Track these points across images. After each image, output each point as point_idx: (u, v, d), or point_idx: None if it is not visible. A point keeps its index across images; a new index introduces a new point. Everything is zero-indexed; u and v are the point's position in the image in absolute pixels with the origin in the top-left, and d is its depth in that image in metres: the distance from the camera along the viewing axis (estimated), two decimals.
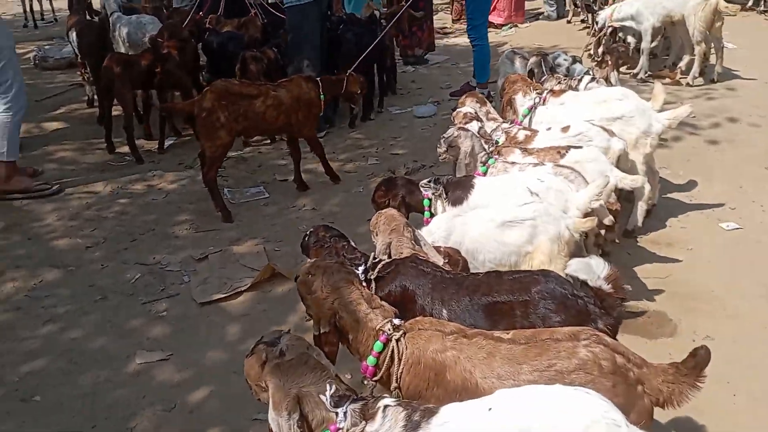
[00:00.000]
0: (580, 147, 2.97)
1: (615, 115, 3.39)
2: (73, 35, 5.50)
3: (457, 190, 2.74)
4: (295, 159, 4.38)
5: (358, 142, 5.37)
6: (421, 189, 2.80)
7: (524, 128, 3.38)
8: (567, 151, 2.95)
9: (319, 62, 5.01)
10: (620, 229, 3.35)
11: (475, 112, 3.32)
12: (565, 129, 3.25)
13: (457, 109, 3.43)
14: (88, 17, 5.69)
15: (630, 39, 6.42)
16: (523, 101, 3.62)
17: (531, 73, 4.29)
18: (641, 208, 3.46)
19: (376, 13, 5.75)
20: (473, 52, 6.00)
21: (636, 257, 3.36)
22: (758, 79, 6.05)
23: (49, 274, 3.57)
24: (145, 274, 3.54)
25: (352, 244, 2.32)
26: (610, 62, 4.11)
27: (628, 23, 6.28)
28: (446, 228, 2.51)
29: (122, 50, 5.39)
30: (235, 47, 5.14)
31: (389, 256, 2.21)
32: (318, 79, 4.25)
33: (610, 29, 6.48)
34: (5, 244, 3.87)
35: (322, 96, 4.17)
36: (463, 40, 8.52)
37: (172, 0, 6.81)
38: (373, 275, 2.11)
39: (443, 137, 3.04)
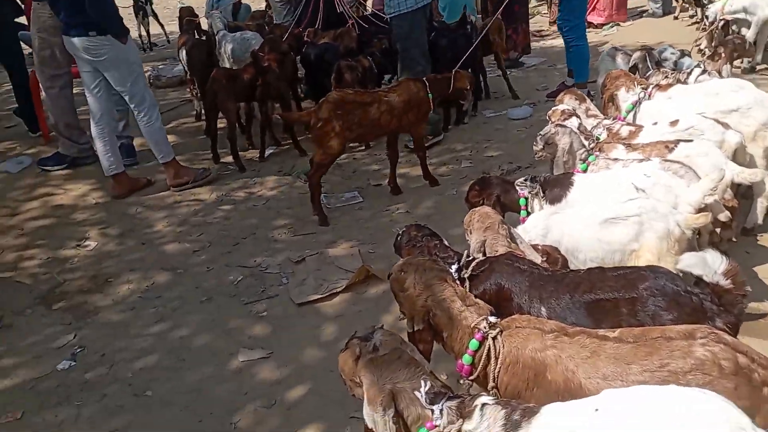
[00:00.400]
0: (691, 140, 2.77)
1: (730, 107, 3.14)
2: (183, 54, 5.84)
3: (555, 187, 2.63)
4: (393, 161, 4.42)
5: (451, 145, 5.32)
6: (517, 188, 2.71)
7: (628, 124, 3.21)
8: (676, 145, 2.76)
9: (429, 67, 5.01)
10: (738, 227, 3.09)
11: (574, 109, 3.19)
12: (674, 123, 3.05)
13: (554, 107, 3.30)
14: (196, 36, 6.01)
15: (745, 32, 5.96)
16: (626, 97, 3.44)
17: (635, 69, 4.08)
18: (761, 204, 3.18)
19: (472, 18, 5.71)
20: (570, 53, 5.81)
21: (756, 256, 3.10)
22: None
23: (160, 276, 3.78)
24: (247, 276, 3.67)
25: (445, 242, 2.28)
26: (723, 54, 3.83)
27: (740, 15, 5.85)
28: (543, 226, 2.41)
29: (227, 66, 5.66)
30: (331, 57, 5.26)
31: (484, 254, 2.15)
32: (425, 79, 4.27)
33: (722, 22, 6.08)
34: (121, 249, 4.15)
35: (429, 95, 4.19)
36: (561, 42, 8.31)
37: (273, 17, 7.08)
38: (466, 273, 2.06)
39: (540, 134, 2.94)
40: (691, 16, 8.68)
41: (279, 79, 5.05)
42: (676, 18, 9.05)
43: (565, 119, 3.07)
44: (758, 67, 6.00)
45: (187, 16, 6.29)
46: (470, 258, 2.07)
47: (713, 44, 5.40)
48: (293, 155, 5.35)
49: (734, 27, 6.36)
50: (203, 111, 6.16)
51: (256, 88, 5.04)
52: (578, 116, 3.12)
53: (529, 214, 2.70)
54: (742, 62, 5.91)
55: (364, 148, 5.36)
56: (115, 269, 3.91)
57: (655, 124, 3.14)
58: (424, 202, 4.30)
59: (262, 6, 9.68)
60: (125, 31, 4.45)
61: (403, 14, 4.76)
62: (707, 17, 6.14)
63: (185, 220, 4.46)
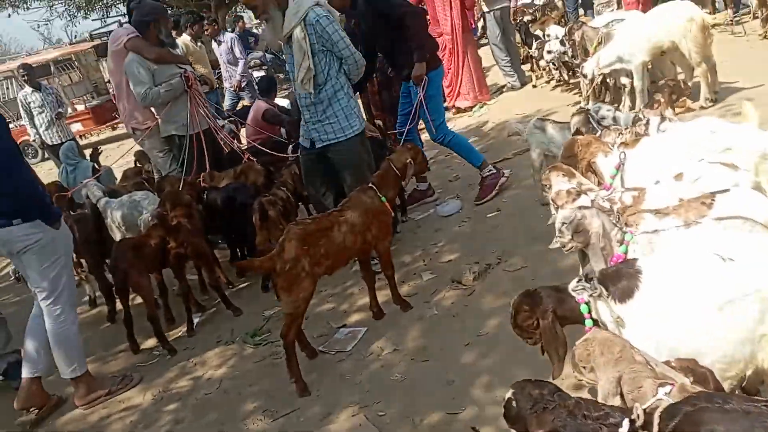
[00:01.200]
0: (726, 190, 2.49)
1: (720, 148, 2.96)
2: None
3: (620, 280, 2.19)
4: (370, 283, 3.90)
5: (398, 259, 4.82)
6: (573, 294, 2.24)
7: (627, 190, 2.91)
8: (713, 199, 2.46)
9: None
10: None
11: (579, 187, 2.84)
12: (679, 176, 2.80)
13: (553, 189, 2.94)
14: (71, 212, 5.17)
15: (624, 80, 6.23)
16: (606, 162, 3.18)
17: (578, 133, 3.90)
18: None
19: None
20: (452, 148, 5.60)
21: None
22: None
23: None
24: None
25: (581, 398, 1.70)
26: (663, 100, 3.77)
27: (617, 66, 6.11)
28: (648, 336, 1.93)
29: (119, 236, 4.85)
30: (244, 198, 4.67)
31: (621, 396, 1.62)
32: (370, 184, 3.83)
33: (600, 77, 6.32)
34: None
35: (383, 198, 3.77)
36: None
37: (153, 171, 6.39)
38: None
39: (563, 223, 2.52)
40: (548, 82, 9.19)
41: (192, 234, 4.34)
42: (534, 87, 9.53)
43: (574, 200, 2.70)
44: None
45: (55, 192, 5.42)
46: (646, 408, 1.51)
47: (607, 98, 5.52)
48: (225, 317, 4.57)
49: (608, 80, 6.70)
50: (96, 295, 5.26)
51: (168, 252, 4.29)
52: (587, 194, 2.76)
53: (596, 322, 2.23)
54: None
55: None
56: None
57: (657, 183, 2.87)
58: (408, 333, 3.70)
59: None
60: (57, 212, 3.66)
61: (350, 138, 4.31)
62: (585, 75, 6.34)
63: None
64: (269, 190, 4.81)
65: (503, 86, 10.20)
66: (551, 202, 2.94)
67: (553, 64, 7.51)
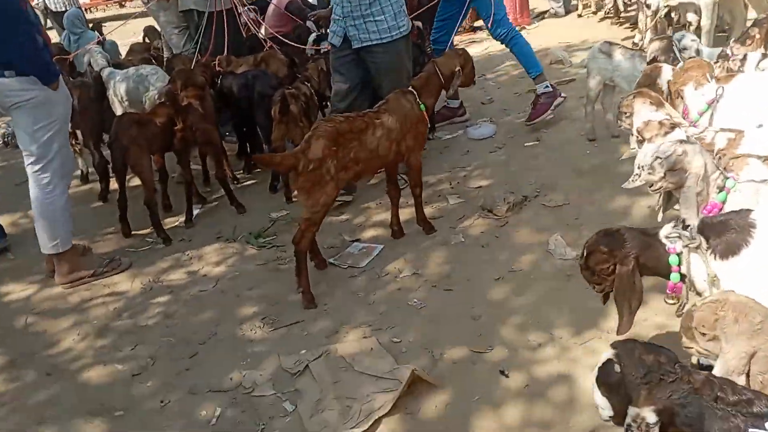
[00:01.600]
0: None
1: None
2: None
3: (726, 233, 1.80)
4: (395, 199, 3.52)
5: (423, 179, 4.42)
6: (664, 241, 1.86)
7: (723, 130, 2.48)
8: None
9: None
10: None
11: (671, 119, 2.40)
12: None
13: (638, 118, 2.49)
14: (72, 78, 4.69)
15: (691, 17, 5.64)
16: (695, 95, 2.72)
17: (654, 61, 3.42)
18: None
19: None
20: (512, 49, 5.02)
21: None
22: None
23: (89, 428, 2.52)
24: (228, 406, 2.52)
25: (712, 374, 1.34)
26: (759, 36, 3.27)
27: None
28: None
29: (120, 110, 4.40)
30: (264, 87, 4.18)
31: (747, 375, 1.26)
32: (410, 87, 3.37)
33: (665, 10, 5.73)
34: (17, 389, 2.81)
35: (422, 106, 3.33)
36: (478, 50, 7.76)
37: (163, 48, 5.84)
38: None
39: (657, 158, 2.09)
40: (595, 12, 8.51)
41: (203, 119, 3.89)
42: (580, 16, 8.84)
43: (666, 133, 2.27)
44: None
45: (56, 55, 4.90)
46: None
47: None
48: (229, 213, 4.20)
49: (673, 14, 6.11)
50: (90, 170, 4.86)
51: (174, 135, 3.85)
52: (679, 125, 2.33)
53: (683, 278, 1.86)
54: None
55: None
56: (13, 425, 2.59)
57: (761, 126, 2.44)
58: (429, 257, 3.35)
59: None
60: (55, 73, 3.21)
61: (396, 40, 3.73)
62: (648, 6, 5.74)
63: (105, 327, 3.18)
64: (292, 83, 4.32)
65: (545, 12, 9.50)
66: (635, 133, 2.50)
67: None
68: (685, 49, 3.48)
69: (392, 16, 3.67)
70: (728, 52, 3.36)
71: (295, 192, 3.20)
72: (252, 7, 6.63)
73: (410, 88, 3.39)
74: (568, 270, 2.95)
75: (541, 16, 9.42)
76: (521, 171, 4.18)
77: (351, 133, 3.05)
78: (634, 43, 6.45)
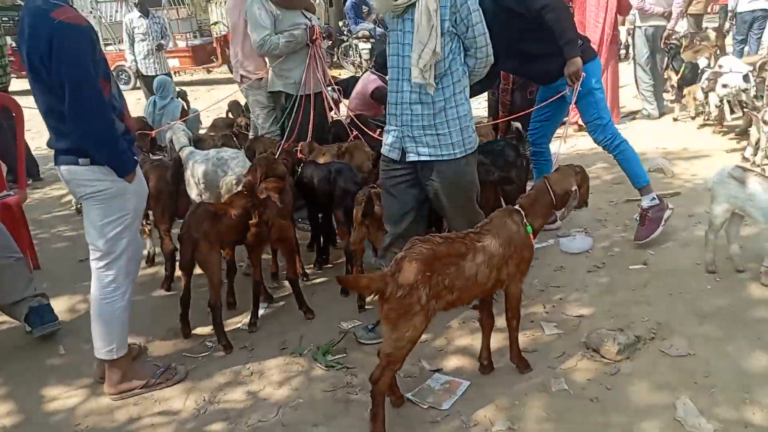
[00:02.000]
0: None
1: None
2: None
3: None
4: (488, 330, 3.07)
5: None
6: None
7: None
8: None
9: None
10: None
11: None
12: None
13: None
14: (152, 156, 4.55)
15: None
16: None
17: None
18: None
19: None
20: (617, 156, 4.54)
21: None
22: None
23: None
24: None
25: None
26: None
27: None
28: None
29: (195, 193, 4.18)
30: (346, 183, 3.88)
31: None
32: (518, 205, 2.95)
33: None
34: None
35: (529, 228, 2.90)
36: (565, 147, 7.34)
37: (248, 126, 5.71)
38: None
39: None
40: (693, 117, 7.98)
41: (281, 214, 3.59)
42: (675, 119, 8.34)
43: None
44: None
45: (138, 129, 4.81)
46: None
47: None
48: (295, 317, 3.82)
49: None
50: (155, 252, 4.64)
51: (248, 229, 3.56)
52: None
53: None
54: None
55: None
56: None
57: None
58: (527, 407, 2.82)
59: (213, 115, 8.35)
60: (132, 163, 2.95)
61: (467, 156, 3.18)
62: (766, 123, 5.23)
63: None
64: (377, 180, 4.00)
65: (636, 112, 9.06)
66: None
67: (728, 100, 6.33)
68: None
69: (459, 130, 3.11)
70: None
71: (380, 315, 2.76)
72: (336, 87, 6.51)
73: (517, 207, 2.98)
74: None
75: (632, 116, 8.97)
76: (629, 302, 3.65)
77: (449, 257, 2.64)
78: (744, 158, 5.94)
